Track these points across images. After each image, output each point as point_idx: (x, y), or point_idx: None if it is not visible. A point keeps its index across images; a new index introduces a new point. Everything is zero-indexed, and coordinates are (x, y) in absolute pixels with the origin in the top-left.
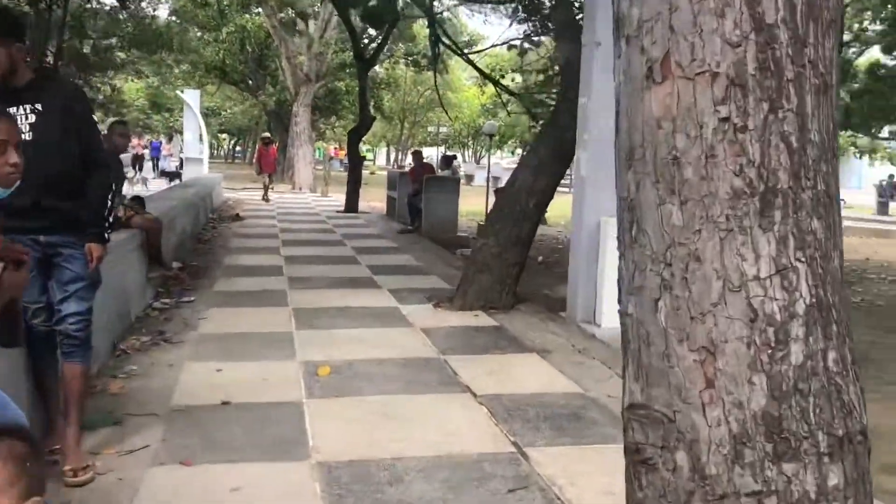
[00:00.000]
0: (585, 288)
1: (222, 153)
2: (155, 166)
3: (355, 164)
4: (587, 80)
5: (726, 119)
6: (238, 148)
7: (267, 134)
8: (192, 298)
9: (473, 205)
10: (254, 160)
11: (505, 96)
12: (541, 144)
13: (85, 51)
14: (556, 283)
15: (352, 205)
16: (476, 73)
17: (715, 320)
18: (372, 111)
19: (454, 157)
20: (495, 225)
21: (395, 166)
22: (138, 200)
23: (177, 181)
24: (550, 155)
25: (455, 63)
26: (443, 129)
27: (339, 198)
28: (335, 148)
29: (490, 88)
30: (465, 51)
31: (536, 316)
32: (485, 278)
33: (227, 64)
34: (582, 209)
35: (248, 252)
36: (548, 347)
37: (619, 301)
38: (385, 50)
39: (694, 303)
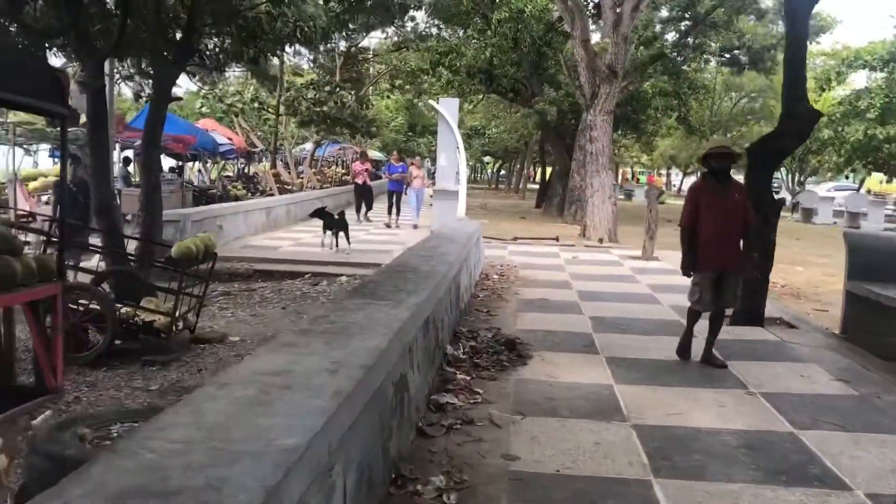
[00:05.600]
0: None
1: (485, 177)
2: (392, 206)
3: (766, 214)
4: None
5: None
6: (503, 172)
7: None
8: None
9: None
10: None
11: None
12: None
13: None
14: None
15: (755, 311)
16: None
17: None
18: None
19: None
20: None
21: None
22: None
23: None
24: None
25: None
26: None
27: (668, 258)
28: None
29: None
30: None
31: None
32: None
33: (494, 65)
34: None
35: None
36: None
37: None
38: (692, 45)
39: None
